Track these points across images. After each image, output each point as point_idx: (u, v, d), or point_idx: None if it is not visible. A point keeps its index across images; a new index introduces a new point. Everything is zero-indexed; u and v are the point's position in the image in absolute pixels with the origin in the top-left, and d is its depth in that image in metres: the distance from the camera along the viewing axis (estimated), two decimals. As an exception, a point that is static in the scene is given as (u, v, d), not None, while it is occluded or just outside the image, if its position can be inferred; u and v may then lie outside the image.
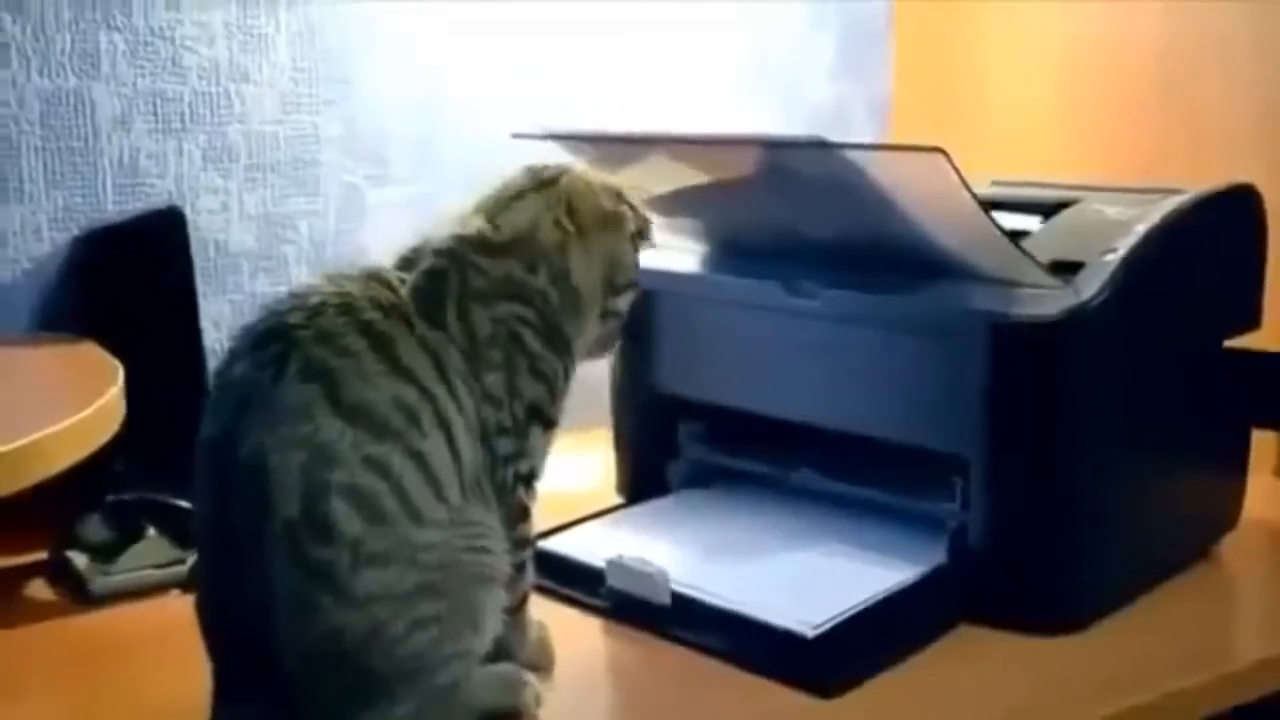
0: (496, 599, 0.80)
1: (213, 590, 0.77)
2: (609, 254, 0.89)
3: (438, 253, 0.83)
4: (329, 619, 0.73)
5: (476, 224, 0.85)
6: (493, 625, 0.80)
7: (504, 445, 0.82)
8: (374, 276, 0.81)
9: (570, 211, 0.87)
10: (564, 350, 0.86)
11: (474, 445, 0.80)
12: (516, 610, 0.85)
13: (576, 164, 0.93)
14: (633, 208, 0.91)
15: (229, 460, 0.74)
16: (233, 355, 0.78)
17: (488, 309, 0.82)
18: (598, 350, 0.92)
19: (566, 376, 0.87)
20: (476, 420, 0.80)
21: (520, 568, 0.84)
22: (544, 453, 0.86)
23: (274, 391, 0.74)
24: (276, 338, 0.76)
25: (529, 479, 0.84)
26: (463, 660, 0.78)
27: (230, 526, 0.74)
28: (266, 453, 0.73)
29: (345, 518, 0.73)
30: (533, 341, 0.84)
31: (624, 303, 0.91)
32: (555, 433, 0.86)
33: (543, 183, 0.88)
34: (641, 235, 0.92)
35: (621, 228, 0.90)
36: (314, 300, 0.78)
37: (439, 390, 0.78)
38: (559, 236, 0.86)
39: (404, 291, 0.81)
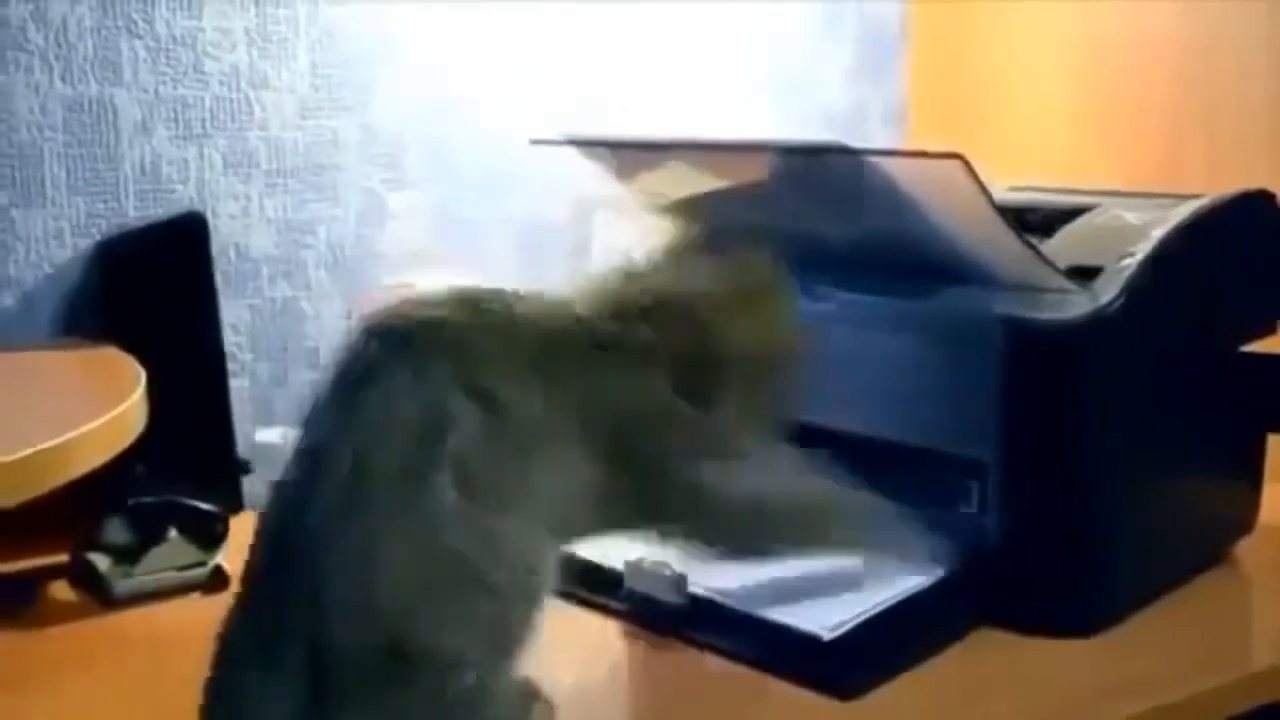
0: (538, 629, 0.80)
1: (284, 509, 0.76)
2: (778, 339, 0.91)
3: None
4: (395, 564, 0.73)
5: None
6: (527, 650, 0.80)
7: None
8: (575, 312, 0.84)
9: (741, 285, 0.89)
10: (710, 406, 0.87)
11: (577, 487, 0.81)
12: None
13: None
14: None
15: (363, 390, 0.75)
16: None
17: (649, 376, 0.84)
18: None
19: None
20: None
21: None
22: None
23: (429, 358, 0.76)
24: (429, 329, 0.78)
25: None
26: (488, 672, 0.77)
27: (334, 447, 0.75)
28: (398, 398, 0.74)
29: (443, 482, 0.74)
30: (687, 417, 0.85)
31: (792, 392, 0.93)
32: None
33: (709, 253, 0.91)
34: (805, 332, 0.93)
35: (790, 317, 0.92)
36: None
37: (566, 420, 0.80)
38: (723, 304, 0.88)
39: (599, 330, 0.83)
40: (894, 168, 0.90)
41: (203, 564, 1.06)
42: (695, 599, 0.96)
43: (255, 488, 1.18)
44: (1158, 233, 0.97)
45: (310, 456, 0.76)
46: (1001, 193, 1.10)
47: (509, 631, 0.78)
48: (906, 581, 0.97)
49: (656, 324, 0.85)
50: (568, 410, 0.81)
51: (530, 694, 0.82)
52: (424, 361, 0.76)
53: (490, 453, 0.76)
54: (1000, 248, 0.93)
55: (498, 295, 0.82)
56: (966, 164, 0.85)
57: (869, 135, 1.62)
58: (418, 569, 0.73)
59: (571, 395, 0.81)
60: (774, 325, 0.90)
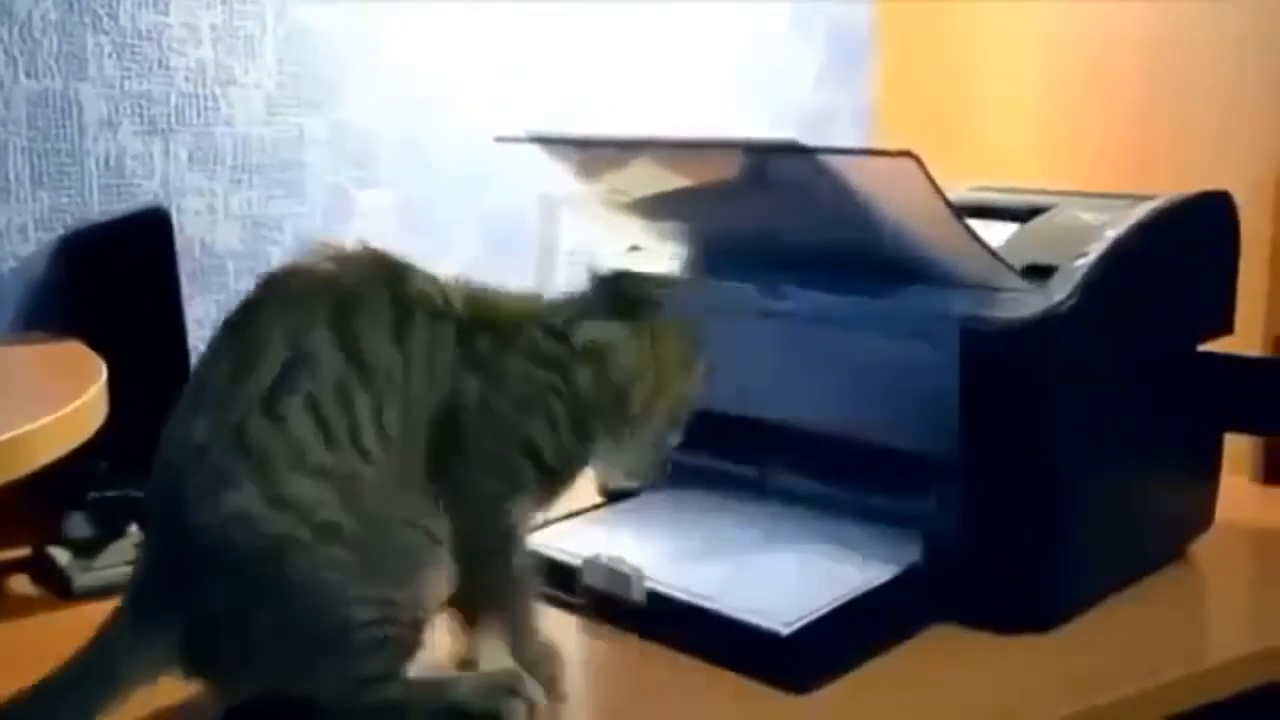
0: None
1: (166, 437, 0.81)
2: (680, 394, 0.93)
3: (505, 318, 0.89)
4: (241, 502, 0.76)
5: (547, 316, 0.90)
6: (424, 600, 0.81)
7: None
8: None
9: (656, 351, 0.91)
10: (586, 439, 0.89)
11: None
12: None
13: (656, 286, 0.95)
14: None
15: (242, 327, 0.80)
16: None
17: (531, 367, 0.86)
18: (639, 472, 0.96)
19: (575, 464, 0.90)
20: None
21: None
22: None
23: (306, 298, 0.80)
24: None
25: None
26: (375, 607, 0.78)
27: (209, 382, 0.79)
28: (271, 331, 0.78)
29: (300, 419, 0.77)
30: (560, 414, 0.87)
31: (675, 436, 0.94)
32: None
33: (629, 311, 0.91)
34: (707, 375, 0.94)
35: (696, 373, 0.93)
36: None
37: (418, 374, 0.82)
38: (637, 368, 0.90)
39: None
40: (848, 166, 0.90)
41: (163, 558, 1.05)
42: (653, 595, 0.96)
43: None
44: (1112, 232, 0.98)
45: (192, 387, 0.80)
46: (961, 192, 1.11)
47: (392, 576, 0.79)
48: (864, 578, 0.98)
49: (578, 363, 0.88)
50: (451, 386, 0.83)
51: (505, 686, 0.83)
52: (300, 302, 0.80)
53: (343, 399, 0.78)
54: (955, 246, 0.93)
55: (427, 275, 0.88)
56: (920, 163, 0.85)
57: (838, 136, 1.63)
58: (265, 504, 0.76)
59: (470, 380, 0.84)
60: (679, 400, 0.93)
